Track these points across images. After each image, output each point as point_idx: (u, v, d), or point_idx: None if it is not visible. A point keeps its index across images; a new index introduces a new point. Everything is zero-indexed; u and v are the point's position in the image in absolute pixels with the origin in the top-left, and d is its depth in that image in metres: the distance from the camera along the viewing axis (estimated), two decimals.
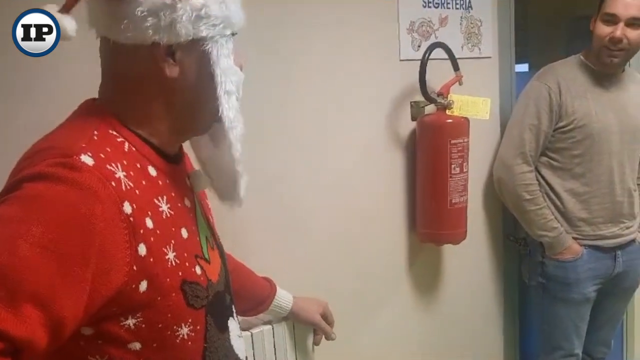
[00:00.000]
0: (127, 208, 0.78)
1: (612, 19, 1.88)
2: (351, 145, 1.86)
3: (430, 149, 1.90)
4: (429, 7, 1.96)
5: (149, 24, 0.81)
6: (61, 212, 0.73)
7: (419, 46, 1.93)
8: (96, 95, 0.95)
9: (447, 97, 1.89)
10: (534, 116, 1.96)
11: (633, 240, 2.06)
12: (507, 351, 2.40)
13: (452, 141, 1.86)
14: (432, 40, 1.97)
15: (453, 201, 1.88)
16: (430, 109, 1.94)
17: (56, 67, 1.52)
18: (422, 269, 2.08)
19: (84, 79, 1.67)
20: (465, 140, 1.89)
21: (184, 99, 0.88)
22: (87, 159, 0.77)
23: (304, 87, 1.72)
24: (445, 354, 2.18)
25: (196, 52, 0.85)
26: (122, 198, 0.78)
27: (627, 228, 2.02)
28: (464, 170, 1.89)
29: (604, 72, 1.99)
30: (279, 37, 1.65)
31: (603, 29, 1.89)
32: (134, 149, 0.86)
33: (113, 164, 0.80)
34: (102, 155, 0.79)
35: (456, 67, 1.93)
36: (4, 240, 0.71)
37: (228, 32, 0.87)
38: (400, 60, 1.92)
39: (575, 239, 2.00)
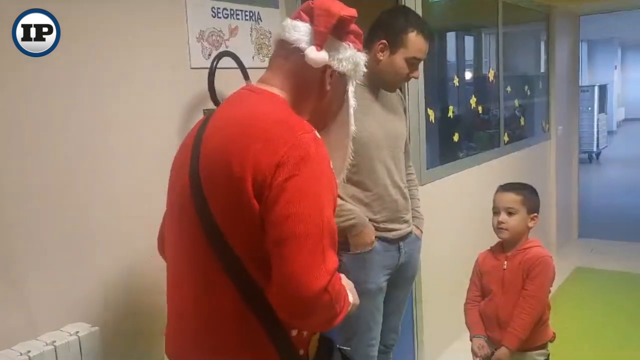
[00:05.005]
0: None
1: (415, 62, 2.10)
2: (144, 152, 1.83)
3: None
4: (218, 17, 2.01)
5: (333, 53, 1.28)
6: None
7: (210, 55, 1.97)
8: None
9: None
10: None
11: (410, 232, 2.28)
12: None
13: None
14: (223, 49, 2.02)
15: None
16: None
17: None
18: None
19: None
20: None
21: (324, 105, 1.34)
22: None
23: (91, 94, 1.67)
24: None
25: (342, 82, 1.34)
26: None
27: (405, 222, 2.23)
28: None
29: (372, 86, 2.16)
30: (62, 42, 1.57)
31: (404, 67, 2.08)
32: None
33: None
34: None
35: (246, 76, 2.00)
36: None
37: (357, 78, 1.37)
38: (191, 68, 1.94)
39: None
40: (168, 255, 1.37)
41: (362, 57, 1.34)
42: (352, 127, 1.37)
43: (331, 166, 1.22)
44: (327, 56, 1.26)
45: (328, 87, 1.31)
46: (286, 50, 1.28)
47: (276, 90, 1.28)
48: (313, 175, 1.13)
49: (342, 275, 1.31)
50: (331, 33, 1.26)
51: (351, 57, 1.30)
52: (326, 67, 1.28)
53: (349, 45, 1.30)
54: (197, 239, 1.21)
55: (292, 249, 1.09)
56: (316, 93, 1.31)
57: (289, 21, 1.30)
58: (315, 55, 1.25)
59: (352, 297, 1.27)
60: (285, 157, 1.11)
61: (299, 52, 1.25)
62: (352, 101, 1.36)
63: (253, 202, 1.12)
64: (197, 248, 1.22)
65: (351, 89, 1.35)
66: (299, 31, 1.26)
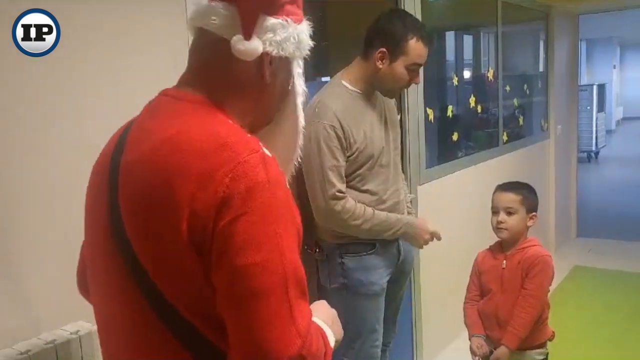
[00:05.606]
0: None
1: (415, 68, 2.09)
2: None
3: None
4: None
5: (268, 37, 0.98)
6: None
7: None
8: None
9: None
10: (331, 157, 1.99)
11: None
12: None
13: None
14: None
15: None
16: None
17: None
18: None
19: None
20: None
21: (267, 100, 1.06)
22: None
23: (91, 94, 1.67)
24: None
25: (285, 66, 1.04)
26: None
27: None
28: None
29: (368, 93, 2.15)
30: (62, 42, 1.55)
31: (405, 74, 2.07)
32: None
33: None
34: None
35: None
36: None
37: (304, 55, 1.06)
38: None
39: (369, 238, 2.14)
40: (95, 303, 1.10)
41: (305, 30, 1.05)
42: (302, 121, 1.11)
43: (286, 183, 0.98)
44: (260, 45, 0.97)
45: (268, 80, 1.03)
46: (207, 41, 1.01)
47: (202, 93, 1.00)
48: (266, 210, 0.87)
49: (323, 304, 1.13)
50: (261, 12, 0.98)
51: (292, 36, 1.01)
52: (263, 55, 0.99)
53: (286, 20, 1.00)
54: (128, 293, 0.95)
55: (251, 312, 0.85)
56: (254, 89, 1.03)
57: (205, 3, 0.99)
58: (245, 46, 0.96)
59: (333, 335, 1.03)
60: (228, 192, 0.85)
61: (224, 42, 0.97)
62: (299, 88, 1.08)
63: (191, 253, 0.87)
64: (131, 307, 0.96)
65: (298, 70, 1.07)
66: (219, 16, 0.97)
